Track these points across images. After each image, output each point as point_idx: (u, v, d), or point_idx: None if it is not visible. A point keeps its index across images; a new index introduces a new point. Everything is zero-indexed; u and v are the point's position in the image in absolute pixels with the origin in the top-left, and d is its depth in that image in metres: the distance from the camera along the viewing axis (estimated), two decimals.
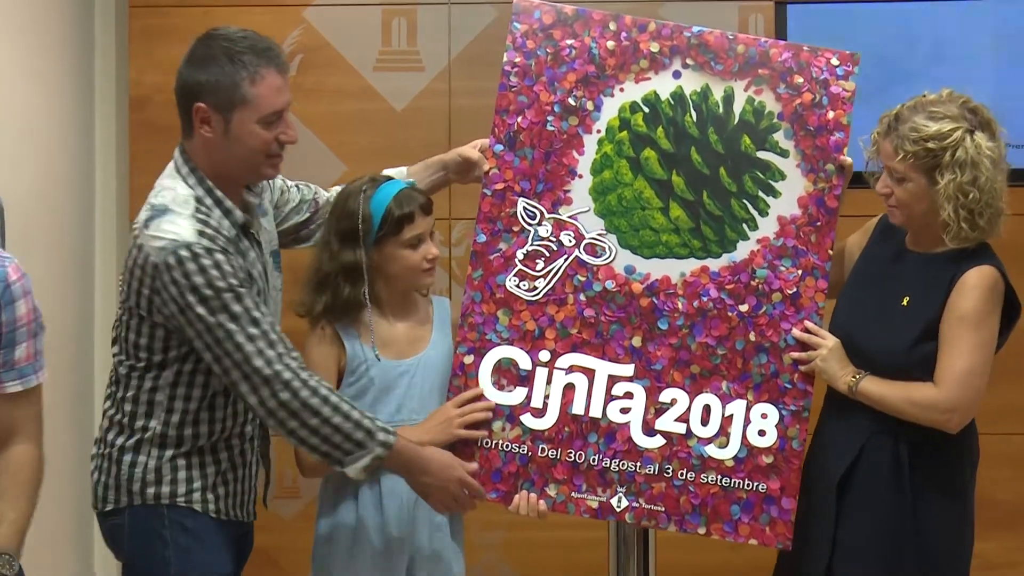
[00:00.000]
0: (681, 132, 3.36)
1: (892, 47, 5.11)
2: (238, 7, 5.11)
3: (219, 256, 2.93)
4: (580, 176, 3.35)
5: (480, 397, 3.27)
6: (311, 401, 2.94)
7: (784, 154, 3.35)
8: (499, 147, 3.36)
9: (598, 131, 3.36)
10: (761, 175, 3.35)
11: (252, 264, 3.08)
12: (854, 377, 3.23)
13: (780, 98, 3.37)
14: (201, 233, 2.94)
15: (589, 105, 3.36)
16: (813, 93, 3.36)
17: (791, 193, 3.34)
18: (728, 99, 3.37)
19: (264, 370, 2.92)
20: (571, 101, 3.36)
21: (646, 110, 3.37)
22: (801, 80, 3.36)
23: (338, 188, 3.45)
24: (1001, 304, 3.21)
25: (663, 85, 3.37)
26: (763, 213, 3.34)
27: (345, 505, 3.27)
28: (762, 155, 3.36)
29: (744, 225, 3.34)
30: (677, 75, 3.37)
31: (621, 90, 3.37)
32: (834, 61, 3.37)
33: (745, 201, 3.34)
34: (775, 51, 3.38)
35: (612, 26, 3.38)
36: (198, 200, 3.01)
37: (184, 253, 2.91)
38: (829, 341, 3.26)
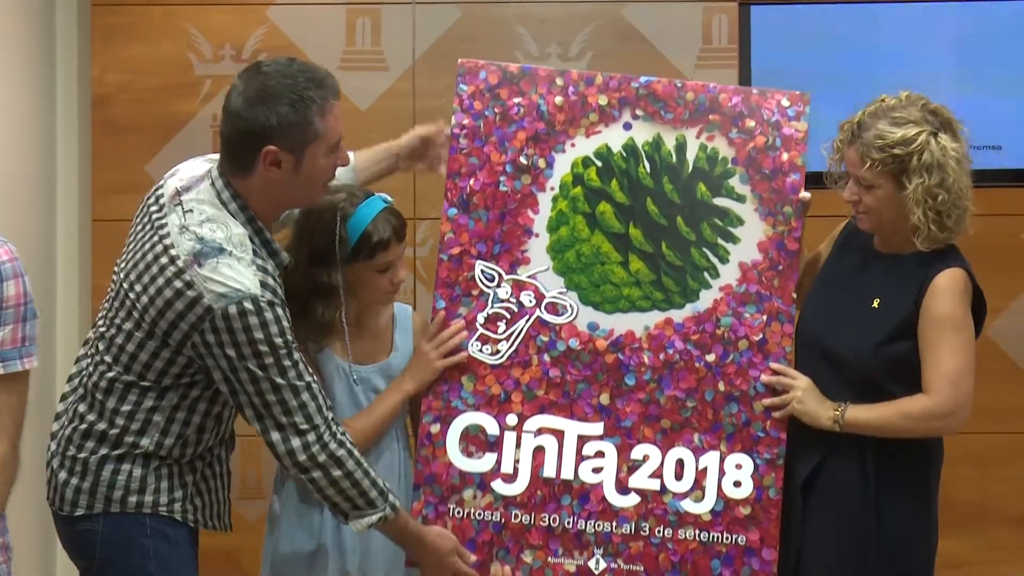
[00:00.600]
0: (636, 184, 3.32)
1: (854, 48, 5.13)
2: (201, 6, 5.09)
3: (279, 311, 2.90)
4: (536, 235, 3.31)
5: (447, 325, 3.27)
6: (339, 453, 2.96)
7: (741, 199, 3.32)
8: (453, 211, 3.32)
9: (552, 188, 3.32)
10: (719, 222, 3.32)
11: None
12: (836, 411, 3.19)
13: (733, 143, 3.33)
14: (264, 284, 2.88)
15: (541, 163, 3.33)
16: (766, 136, 3.33)
17: (751, 238, 3.31)
18: (681, 147, 3.34)
19: (302, 424, 2.92)
20: (523, 160, 3.32)
21: (599, 164, 3.33)
22: (753, 123, 3.33)
23: None
24: (970, 302, 3.22)
25: (614, 137, 3.34)
26: (724, 260, 3.31)
27: (306, 525, 3.27)
28: (719, 202, 3.33)
29: (705, 274, 3.31)
30: (628, 126, 3.35)
31: (572, 145, 3.34)
32: (784, 102, 3.34)
33: (705, 249, 3.31)
34: (724, 96, 3.35)
35: (559, 81, 3.35)
36: (251, 240, 2.94)
37: (249, 306, 2.85)
38: (800, 381, 3.24)
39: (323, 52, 5.05)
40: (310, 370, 2.97)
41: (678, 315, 3.29)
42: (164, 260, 2.90)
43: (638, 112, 3.35)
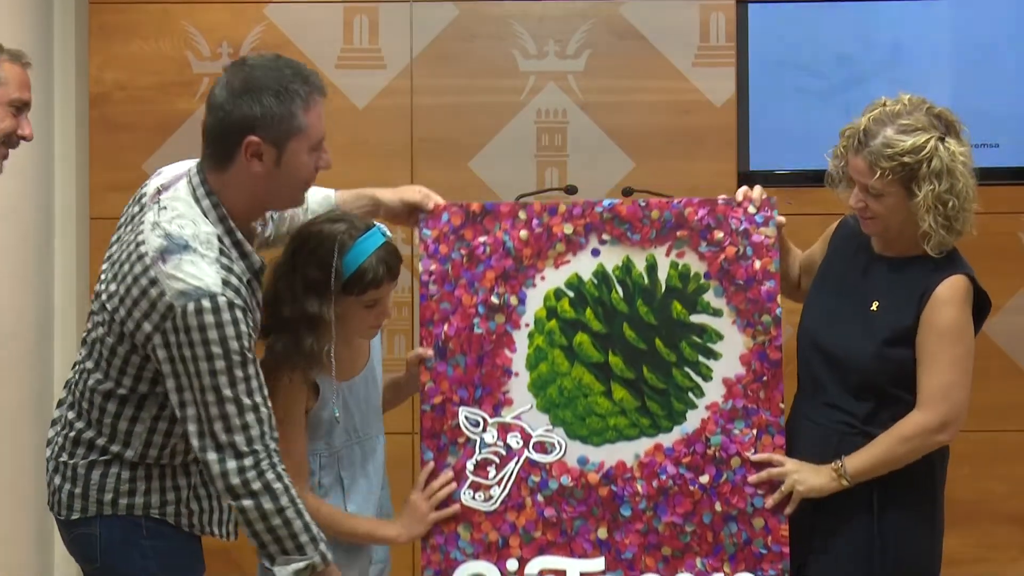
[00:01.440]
0: (610, 310, 3.28)
1: (852, 46, 5.14)
2: (198, 4, 5.11)
3: (239, 314, 2.81)
4: (516, 374, 3.28)
5: (437, 475, 3.26)
6: (275, 485, 2.84)
7: (718, 314, 3.27)
8: (430, 361, 3.28)
9: (527, 324, 3.28)
10: (698, 339, 3.27)
11: (257, 307, 2.99)
12: (836, 471, 3.18)
13: (704, 257, 3.27)
14: (226, 283, 2.82)
15: (513, 300, 3.28)
16: (736, 246, 3.26)
17: (732, 352, 3.26)
18: (651, 268, 3.28)
19: (241, 446, 2.82)
20: (494, 299, 3.27)
21: (571, 294, 3.28)
22: (722, 234, 3.26)
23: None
24: (971, 308, 3.21)
25: (584, 265, 3.28)
26: (707, 378, 3.26)
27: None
28: (696, 319, 3.27)
29: (690, 394, 3.26)
30: (596, 253, 3.29)
31: (542, 278, 3.29)
32: (751, 209, 3.27)
33: (687, 369, 3.27)
34: (690, 210, 3.28)
35: (522, 215, 3.29)
36: (220, 240, 2.88)
37: (207, 304, 2.79)
38: (789, 464, 3.22)
39: (320, 50, 5.06)
40: (265, 394, 2.87)
41: (667, 439, 3.26)
42: (134, 258, 2.86)
43: (605, 237, 3.29)
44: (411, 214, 3.33)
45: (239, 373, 2.81)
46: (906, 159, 3.10)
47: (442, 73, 5.15)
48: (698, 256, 3.28)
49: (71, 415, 3.03)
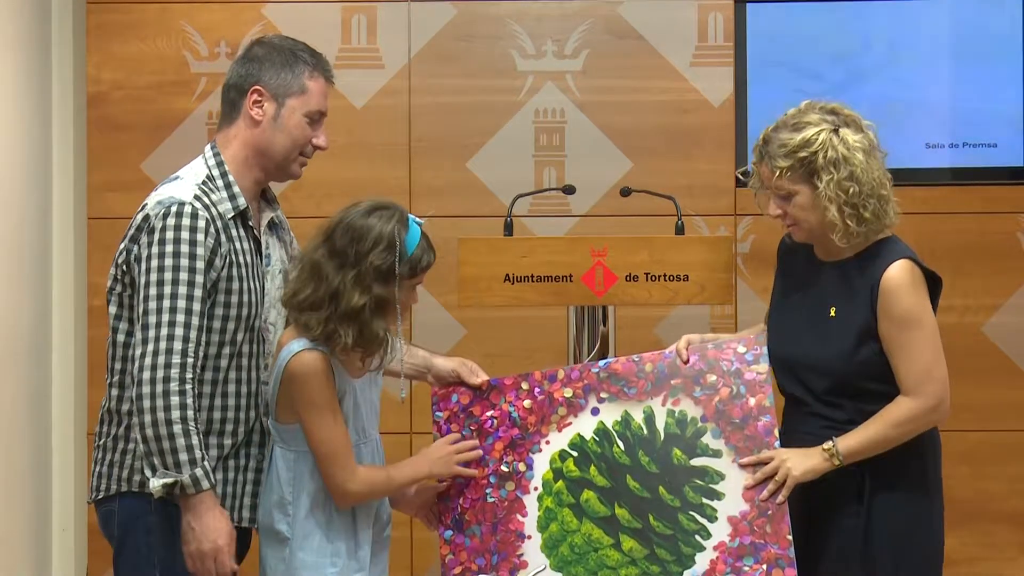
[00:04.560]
0: (613, 465, 3.33)
1: (850, 46, 5.14)
2: (196, 4, 5.12)
3: (201, 223, 3.02)
4: (529, 537, 3.33)
5: (470, 447, 3.35)
6: (173, 399, 2.95)
7: (717, 454, 3.29)
8: (448, 533, 3.36)
9: (535, 488, 3.35)
10: (700, 482, 3.29)
11: (240, 252, 3.13)
12: (827, 449, 3.20)
13: (699, 401, 3.32)
14: (197, 198, 3.05)
15: (521, 467, 3.37)
16: (729, 386, 3.31)
17: (735, 490, 3.27)
18: (649, 419, 3.34)
19: (161, 350, 2.96)
20: (504, 468, 3.36)
21: (575, 454, 3.36)
22: (714, 377, 3.32)
23: None
24: (926, 288, 3.23)
25: (585, 425, 3.36)
26: (712, 519, 3.27)
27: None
28: (696, 462, 3.30)
29: (697, 536, 3.27)
30: (596, 412, 3.37)
31: (547, 443, 3.36)
32: (740, 349, 3.34)
33: (692, 512, 3.27)
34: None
35: (524, 386, 3.39)
36: (209, 177, 3.14)
37: (174, 209, 3.02)
38: (778, 454, 3.24)
39: (319, 49, 5.04)
40: (198, 310, 3.01)
41: None
42: (137, 216, 3.11)
43: (603, 395, 3.37)
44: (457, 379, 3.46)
45: (184, 276, 3.00)
46: (801, 154, 3.18)
47: (440, 73, 5.15)
48: (693, 401, 3.33)
49: (109, 384, 3.16)
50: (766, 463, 3.24)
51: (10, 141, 4.71)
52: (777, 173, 3.21)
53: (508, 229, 3.86)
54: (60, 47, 5.12)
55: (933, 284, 3.26)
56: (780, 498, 3.23)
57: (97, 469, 3.15)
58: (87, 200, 5.14)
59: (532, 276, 3.65)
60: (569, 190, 4.17)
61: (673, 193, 4.01)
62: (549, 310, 3.79)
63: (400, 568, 4.49)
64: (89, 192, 5.13)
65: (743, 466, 3.27)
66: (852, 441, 3.19)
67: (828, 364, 3.23)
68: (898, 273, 3.19)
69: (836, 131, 3.20)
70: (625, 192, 4.22)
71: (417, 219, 3.19)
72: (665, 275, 3.65)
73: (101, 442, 3.15)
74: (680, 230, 3.85)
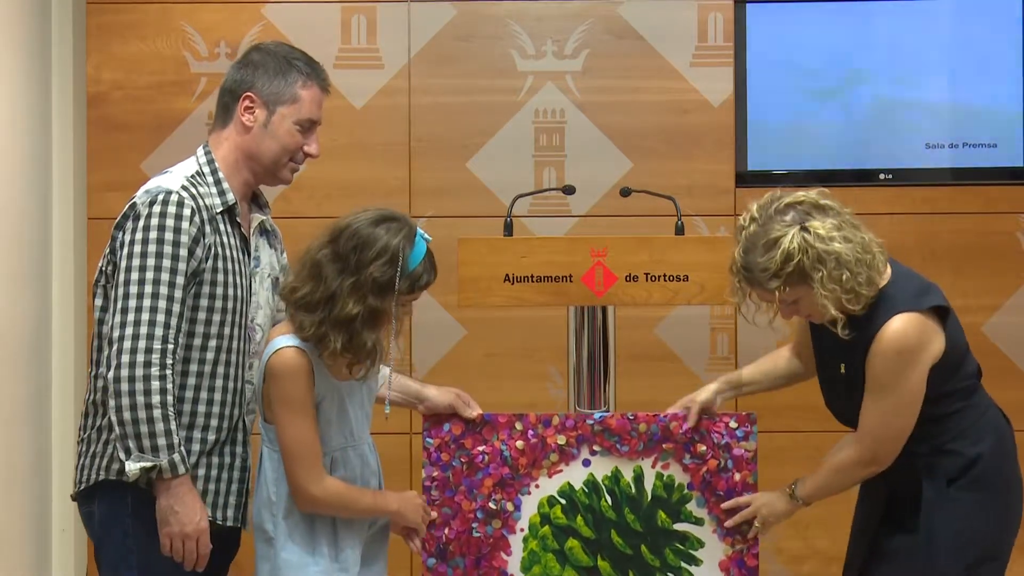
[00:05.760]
0: (600, 517, 3.47)
1: (850, 46, 5.14)
2: (196, 4, 5.12)
3: (186, 211, 3.05)
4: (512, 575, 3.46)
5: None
6: (153, 383, 2.96)
7: (700, 522, 3.47)
8: (432, 561, 3.46)
9: (521, 529, 3.48)
10: (681, 546, 3.47)
11: (226, 247, 3.15)
12: (787, 491, 3.39)
13: (687, 468, 3.48)
14: (184, 188, 3.09)
15: (509, 506, 3.48)
16: (717, 459, 3.47)
17: (712, 559, 3.46)
18: (639, 478, 3.48)
19: (141, 335, 2.97)
20: (492, 505, 3.47)
21: (563, 502, 3.48)
22: (704, 448, 3.47)
23: None
24: (917, 349, 3.21)
25: (575, 474, 3.48)
26: None
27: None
28: (679, 527, 3.48)
29: None
30: (587, 463, 3.49)
31: (536, 486, 3.49)
32: (732, 424, 3.48)
33: (669, 574, 3.46)
34: (675, 424, 3.47)
35: (518, 426, 3.48)
36: (199, 173, 3.18)
37: (160, 197, 3.05)
38: (753, 501, 3.43)
39: (318, 50, 4.98)
40: (174, 309, 3.02)
41: None
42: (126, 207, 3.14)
43: (595, 448, 3.50)
44: (446, 410, 3.50)
45: (166, 263, 3.02)
46: (787, 269, 3.17)
47: (440, 73, 5.16)
48: (682, 468, 3.49)
49: (93, 376, 3.15)
50: (745, 507, 3.44)
51: (10, 141, 4.71)
52: (776, 292, 3.21)
53: (508, 229, 3.86)
54: (60, 47, 5.12)
55: (941, 310, 3.27)
56: (751, 533, 3.45)
57: (80, 462, 3.14)
58: (87, 200, 5.14)
59: (532, 276, 3.65)
60: (569, 190, 4.16)
61: (673, 193, 4.00)
62: (549, 310, 3.79)
63: (400, 568, 4.49)
64: (89, 192, 5.13)
65: (724, 509, 3.45)
66: (808, 486, 3.38)
67: (852, 415, 3.33)
68: (889, 336, 3.21)
69: (805, 228, 3.17)
70: (625, 192, 4.21)
71: (426, 236, 3.18)
72: (665, 275, 3.65)
73: (85, 435, 3.14)
74: (680, 230, 3.85)
